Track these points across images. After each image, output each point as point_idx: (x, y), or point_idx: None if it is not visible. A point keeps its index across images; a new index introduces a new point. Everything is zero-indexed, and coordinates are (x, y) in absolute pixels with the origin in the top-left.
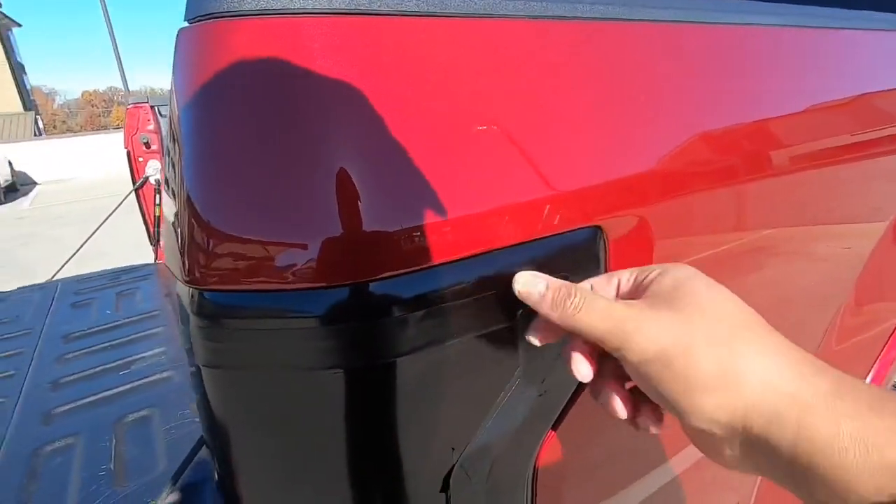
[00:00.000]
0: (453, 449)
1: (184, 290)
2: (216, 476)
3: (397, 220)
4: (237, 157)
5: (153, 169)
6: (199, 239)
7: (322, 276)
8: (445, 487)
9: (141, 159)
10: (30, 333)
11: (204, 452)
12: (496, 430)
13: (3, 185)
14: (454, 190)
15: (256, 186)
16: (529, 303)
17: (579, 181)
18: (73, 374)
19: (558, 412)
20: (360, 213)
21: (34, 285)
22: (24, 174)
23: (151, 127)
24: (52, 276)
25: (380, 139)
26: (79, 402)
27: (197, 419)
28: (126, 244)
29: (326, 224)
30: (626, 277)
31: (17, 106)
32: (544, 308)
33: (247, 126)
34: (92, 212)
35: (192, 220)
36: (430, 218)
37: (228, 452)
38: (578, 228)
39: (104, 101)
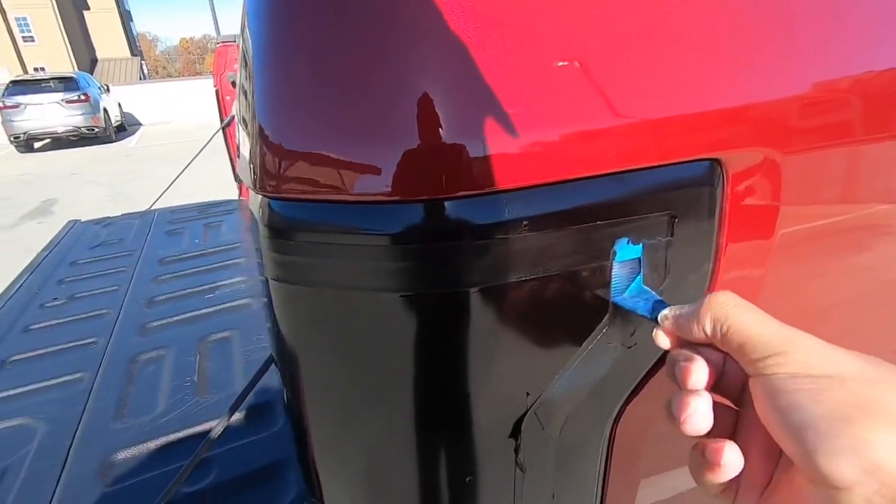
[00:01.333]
0: (528, 394)
1: (255, 202)
2: (284, 395)
3: (484, 135)
4: (316, 61)
5: None
6: (273, 145)
7: (396, 189)
8: (516, 433)
9: (228, 98)
10: (131, 254)
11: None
12: (576, 382)
13: (114, 125)
14: (549, 107)
15: (333, 92)
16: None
17: (699, 104)
18: (166, 294)
19: (646, 370)
20: (441, 123)
21: (135, 213)
22: (131, 115)
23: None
24: (150, 206)
25: (468, 48)
26: (169, 320)
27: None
28: (212, 185)
29: (405, 133)
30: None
31: (125, 51)
32: (694, 335)
33: (325, 31)
34: (190, 152)
35: (267, 124)
36: (521, 136)
37: (295, 370)
38: (693, 160)
39: (199, 48)
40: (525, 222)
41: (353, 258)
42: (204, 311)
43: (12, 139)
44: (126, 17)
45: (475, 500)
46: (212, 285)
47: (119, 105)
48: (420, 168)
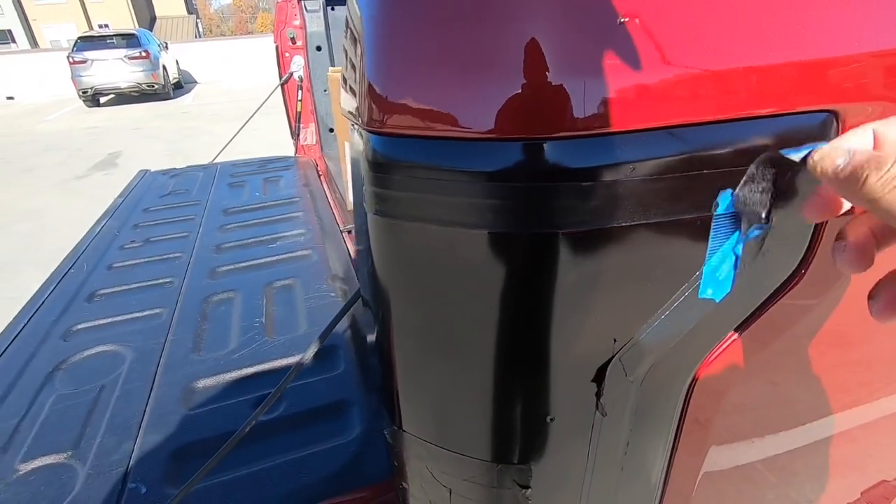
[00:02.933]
0: (615, 340)
1: (357, 139)
2: (374, 333)
3: (589, 77)
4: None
5: (297, 66)
6: (383, 81)
7: (497, 127)
8: (599, 379)
9: (287, 55)
10: (198, 204)
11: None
12: (665, 331)
13: (172, 83)
14: (656, 49)
15: (442, 28)
16: (823, 177)
17: (822, 50)
18: (232, 241)
19: (736, 324)
20: (547, 65)
21: (198, 165)
22: (188, 73)
23: (297, 23)
24: (213, 160)
25: None
26: (236, 265)
27: (332, 293)
28: (264, 142)
29: (510, 72)
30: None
31: (181, 10)
32: (843, 182)
33: None
34: (242, 111)
35: (377, 62)
36: (625, 78)
37: (387, 304)
38: (807, 112)
39: (251, 7)
40: (632, 167)
41: (449, 192)
42: (267, 259)
43: (81, 94)
44: None
45: (552, 440)
46: (273, 236)
47: (177, 63)
48: (524, 107)
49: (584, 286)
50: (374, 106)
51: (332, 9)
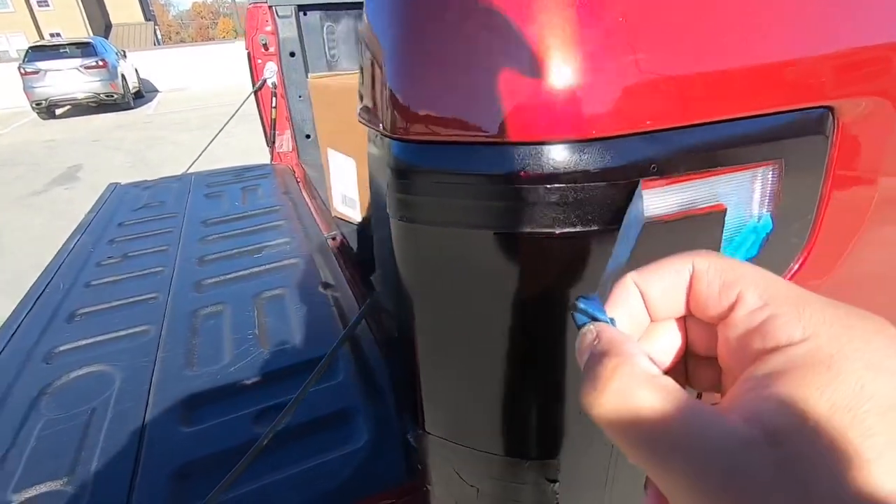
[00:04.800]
0: None
1: (378, 147)
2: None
3: (597, 82)
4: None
5: (270, 72)
6: (405, 90)
7: (510, 132)
8: None
9: (259, 61)
10: (175, 216)
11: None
12: None
13: (132, 92)
14: (666, 52)
15: (459, 39)
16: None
17: (819, 47)
18: (215, 253)
19: None
20: (547, 70)
21: (172, 176)
22: (148, 81)
23: (269, 28)
24: (186, 170)
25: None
26: (222, 277)
27: (324, 302)
28: (235, 150)
29: (521, 79)
30: (713, 286)
31: (138, 16)
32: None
33: None
34: (207, 119)
35: (397, 67)
36: (621, 80)
37: (411, 311)
38: (803, 108)
39: (212, 12)
40: (654, 166)
41: (470, 197)
42: (254, 269)
43: (34, 105)
44: None
45: (579, 433)
46: (257, 246)
47: (136, 71)
48: (529, 114)
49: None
50: (397, 113)
51: (304, 14)
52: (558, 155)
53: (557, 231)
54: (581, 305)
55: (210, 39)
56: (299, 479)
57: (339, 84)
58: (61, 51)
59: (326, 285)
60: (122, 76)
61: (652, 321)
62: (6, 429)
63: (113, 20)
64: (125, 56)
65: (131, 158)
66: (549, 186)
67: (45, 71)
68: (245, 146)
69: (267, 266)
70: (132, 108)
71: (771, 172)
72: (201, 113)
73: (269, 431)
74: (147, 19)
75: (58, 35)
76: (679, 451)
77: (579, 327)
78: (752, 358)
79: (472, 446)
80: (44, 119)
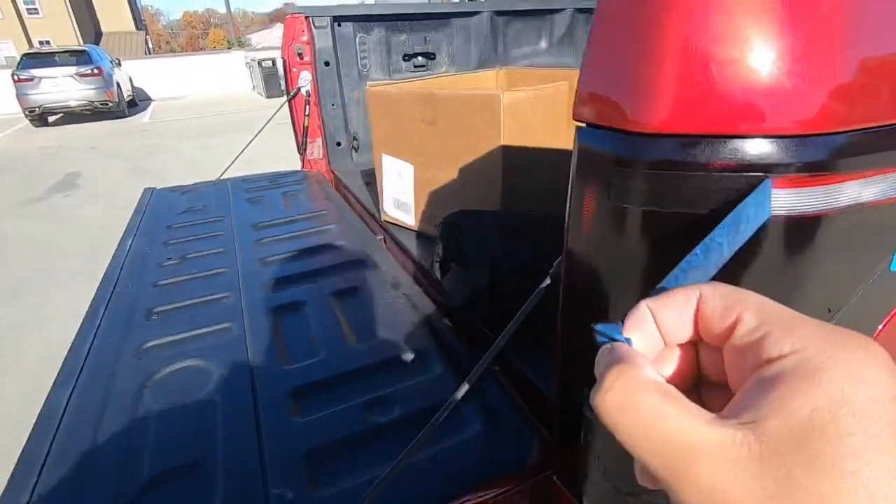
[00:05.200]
0: (829, 310)
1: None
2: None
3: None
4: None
5: (304, 80)
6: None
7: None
8: None
9: (294, 70)
10: (222, 220)
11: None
12: (863, 299)
13: (126, 100)
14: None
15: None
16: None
17: None
18: (275, 255)
19: None
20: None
21: (208, 182)
22: (141, 90)
23: (305, 38)
24: (219, 176)
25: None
26: (289, 278)
27: (400, 300)
28: (241, 160)
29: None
30: (716, 309)
31: (130, 25)
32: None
33: None
34: (206, 128)
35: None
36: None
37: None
38: None
39: (202, 22)
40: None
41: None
42: (320, 270)
43: (27, 112)
44: None
45: None
46: (315, 247)
47: (130, 79)
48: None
49: (816, 262)
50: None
51: (339, 24)
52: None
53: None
54: (599, 329)
55: (200, 49)
56: (421, 465)
57: (399, 92)
58: (56, 58)
59: (396, 284)
60: (118, 84)
61: (666, 345)
62: (121, 419)
63: (104, 28)
64: (120, 64)
65: (131, 166)
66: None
67: (40, 78)
68: (245, 154)
69: (331, 267)
70: (126, 117)
71: None
72: (199, 122)
73: (413, 445)
74: (139, 28)
75: (47, 43)
76: (673, 448)
77: (597, 346)
78: (749, 371)
79: None
80: (36, 126)
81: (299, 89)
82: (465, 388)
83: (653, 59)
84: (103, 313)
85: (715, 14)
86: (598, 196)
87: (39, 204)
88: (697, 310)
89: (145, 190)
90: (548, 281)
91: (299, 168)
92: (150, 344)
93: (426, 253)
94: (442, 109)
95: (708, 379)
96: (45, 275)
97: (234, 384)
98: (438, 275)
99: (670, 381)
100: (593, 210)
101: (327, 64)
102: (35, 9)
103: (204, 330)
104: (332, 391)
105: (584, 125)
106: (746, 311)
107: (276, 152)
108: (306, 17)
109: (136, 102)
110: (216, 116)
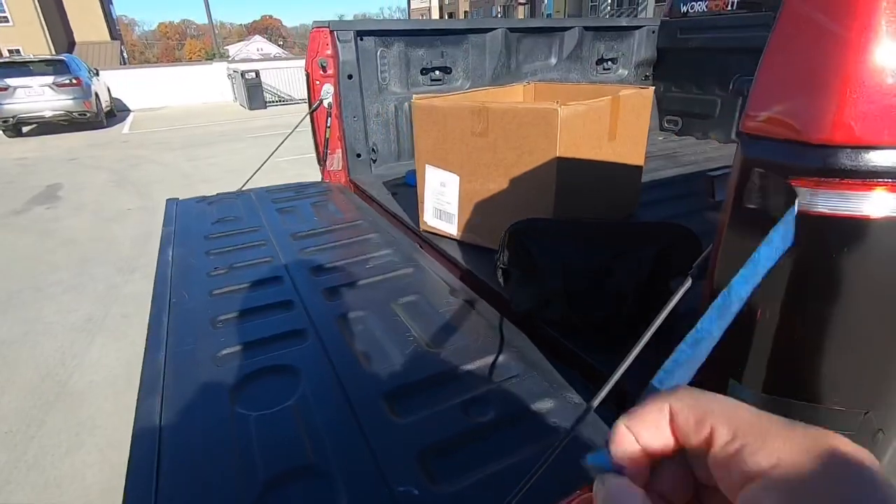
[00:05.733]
0: None
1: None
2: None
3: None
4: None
5: (326, 93)
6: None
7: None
8: None
9: (318, 82)
10: (258, 229)
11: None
12: None
13: (104, 110)
14: None
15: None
16: None
17: None
18: (324, 263)
19: None
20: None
21: (230, 192)
22: (119, 100)
23: (329, 52)
24: (241, 188)
25: None
26: (346, 286)
27: (461, 306)
28: (222, 169)
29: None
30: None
31: (104, 35)
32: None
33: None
34: (190, 139)
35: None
36: None
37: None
38: None
39: (178, 33)
40: None
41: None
42: (374, 279)
43: (0, 123)
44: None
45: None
46: (363, 257)
47: (108, 90)
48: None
49: None
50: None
51: (361, 39)
52: None
53: None
54: (590, 463)
55: (177, 60)
56: (525, 466)
57: (448, 104)
58: (32, 67)
59: (453, 290)
60: (96, 94)
61: (651, 458)
62: (220, 426)
63: (77, 38)
64: (98, 74)
65: (115, 177)
66: None
67: (15, 88)
68: (231, 166)
69: (386, 275)
70: (105, 127)
71: None
72: (181, 133)
73: (548, 456)
74: (113, 38)
75: (17, 52)
76: None
77: (592, 477)
78: (736, 485)
79: (820, 403)
80: (10, 137)
81: (321, 101)
82: (601, 395)
83: (826, 84)
84: (167, 323)
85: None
86: (761, 202)
87: (21, 216)
88: (672, 421)
89: (168, 201)
90: (689, 282)
91: (319, 178)
92: (225, 352)
93: (472, 260)
94: (494, 122)
95: (703, 482)
96: (34, 289)
97: (324, 387)
98: (501, 280)
99: (669, 493)
100: (753, 215)
101: (350, 77)
102: (5, 17)
103: (275, 335)
104: (423, 394)
105: (753, 137)
106: (717, 422)
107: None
108: (331, 31)
109: (115, 113)
110: (199, 128)
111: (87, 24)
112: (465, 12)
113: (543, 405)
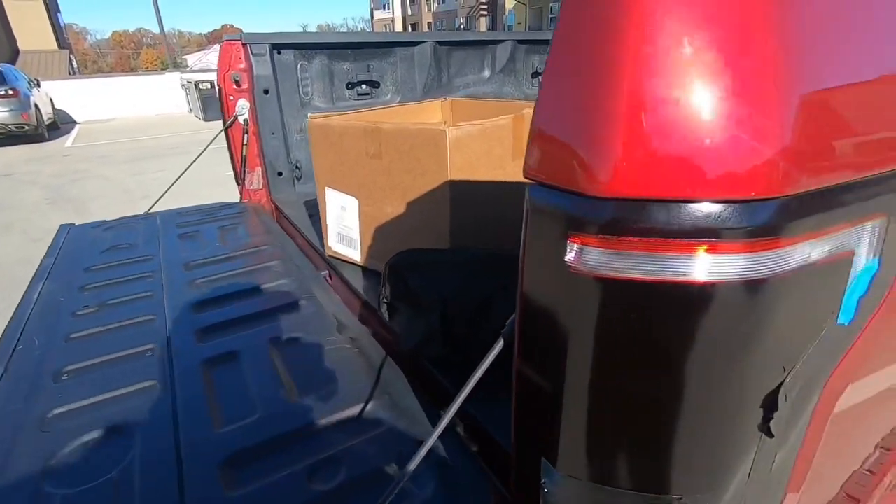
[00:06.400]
0: (784, 369)
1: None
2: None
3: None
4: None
5: (242, 108)
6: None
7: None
8: (769, 406)
9: (231, 98)
10: (150, 259)
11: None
12: (815, 355)
13: (46, 123)
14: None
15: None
16: None
17: None
18: (209, 297)
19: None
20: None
21: (135, 216)
22: (64, 112)
23: (242, 66)
24: (149, 209)
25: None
26: (226, 323)
27: (346, 345)
28: (167, 184)
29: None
30: None
31: (51, 43)
32: None
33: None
34: (139, 152)
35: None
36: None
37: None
38: None
39: (133, 42)
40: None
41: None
42: (259, 313)
43: None
44: (52, 7)
45: (726, 465)
46: (254, 288)
47: (51, 101)
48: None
49: (777, 324)
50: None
51: (279, 52)
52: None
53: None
54: None
55: (132, 70)
56: None
57: (342, 124)
58: None
59: (341, 327)
60: (36, 106)
61: None
62: None
63: (21, 46)
64: (39, 85)
65: (51, 194)
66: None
67: None
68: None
69: (272, 309)
70: (46, 141)
71: (881, 222)
72: (130, 146)
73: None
74: (62, 47)
75: None
76: None
77: None
78: None
79: (617, 486)
80: None
81: (236, 117)
82: (416, 460)
83: (600, 124)
84: (1, 377)
85: (660, 83)
86: (550, 256)
87: None
88: None
89: (61, 227)
90: (501, 343)
91: (237, 198)
92: (56, 412)
93: (374, 289)
94: (387, 143)
95: None
96: None
97: (156, 458)
98: (386, 316)
99: None
100: (546, 270)
101: (266, 92)
102: None
103: (123, 391)
104: (271, 457)
105: (535, 183)
106: None
107: (219, 178)
108: (244, 44)
109: (59, 125)
110: (149, 140)
111: (31, 33)
112: (429, 24)
113: (396, 466)
